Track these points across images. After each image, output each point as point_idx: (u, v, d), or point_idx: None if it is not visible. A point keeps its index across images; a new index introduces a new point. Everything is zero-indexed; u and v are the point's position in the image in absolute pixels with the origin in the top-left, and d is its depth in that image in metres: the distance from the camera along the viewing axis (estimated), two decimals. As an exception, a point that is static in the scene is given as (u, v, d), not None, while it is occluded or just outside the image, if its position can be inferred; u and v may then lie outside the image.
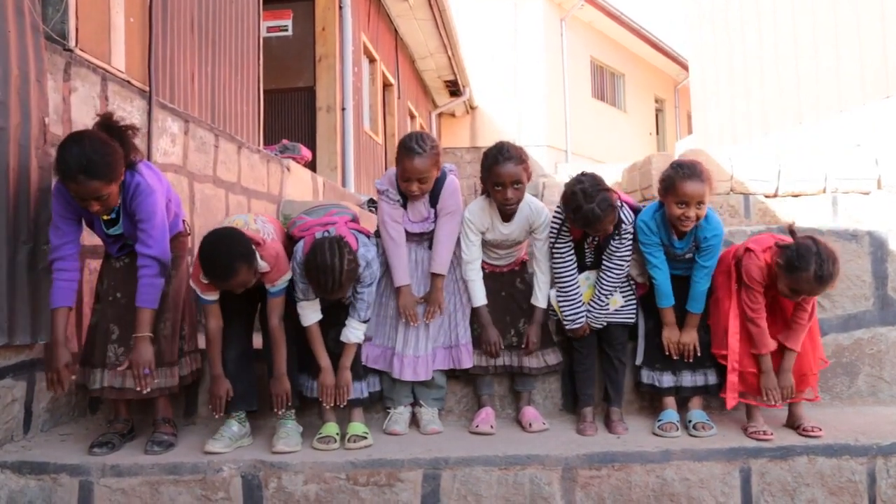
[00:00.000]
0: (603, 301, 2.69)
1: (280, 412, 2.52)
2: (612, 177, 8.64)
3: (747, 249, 2.55)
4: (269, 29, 7.25)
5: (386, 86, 10.38)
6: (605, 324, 2.72)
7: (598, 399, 2.79)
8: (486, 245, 2.81)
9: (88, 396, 2.82)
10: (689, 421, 2.60)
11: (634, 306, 2.77)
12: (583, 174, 2.56)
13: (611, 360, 2.76)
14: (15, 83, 2.39)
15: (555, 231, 2.69)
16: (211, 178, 4.07)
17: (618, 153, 15.29)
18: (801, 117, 8.60)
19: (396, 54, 10.78)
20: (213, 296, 2.47)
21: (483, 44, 14.76)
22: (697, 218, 2.55)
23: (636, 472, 2.36)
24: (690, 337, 2.66)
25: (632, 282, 2.78)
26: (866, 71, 7.46)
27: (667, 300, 2.66)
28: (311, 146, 7.15)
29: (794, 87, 8.81)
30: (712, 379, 2.70)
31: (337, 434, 2.53)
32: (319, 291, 2.44)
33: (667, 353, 2.68)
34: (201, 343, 2.69)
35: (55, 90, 2.67)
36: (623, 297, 2.74)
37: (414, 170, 2.58)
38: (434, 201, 2.70)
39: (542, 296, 2.77)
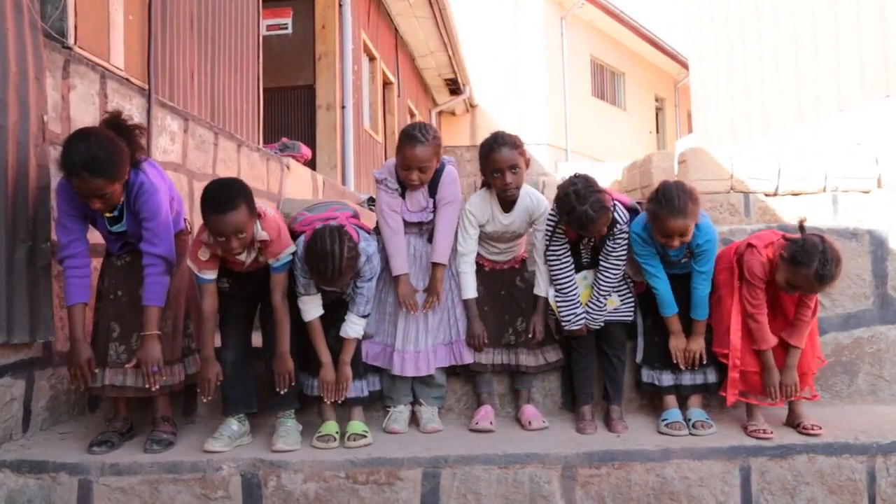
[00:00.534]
0: (601, 302, 2.68)
1: (282, 391, 2.50)
2: (612, 175, 8.65)
3: (749, 245, 2.55)
4: (269, 27, 7.25)
5: (386, 84, 10.37)
6: (602, 324, 2.71)
7: (598, 397, 2.79)
8: (487, 239, 2.82)
9: (88, 395, 2.82)
10: (689, 419, 2.60)
11: (632, 305, 2.76)
12: (575, 176, 2.54)
13: (609, 358, 2.75)
14: (14, 81, 2.39)
15: (549, 233, 2.68)
16: (210, 176, 4.07)
17: (618, 152, 15.28)
18: (802, 116, 8.60)
19: (396, 52, 10.78)
20: (210, 274, 2.47)
21: (483, 42, 14.75)
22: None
23: (636, 471, 2.36)
24: (698, 345, 2.65)
25: (629, 280, 2.77)
26: (866, 70, 7.46)
27: (669, 309, 2.65)
28: (311, 144, 7.14)
29: (794, 87, 8.80)
30: (712, 377, 2.70)
31: (336, 433, 2.52)
32: (319, 279, 2.43)
33: (674, 362, 2.66)
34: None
35: (54, 88, 2.66)
36: (619, 296, 2.73)
37: (415, 158, 2.59)
38: (433, 192, 2.71)
39: (543, 285, 2.77)
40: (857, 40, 7.62)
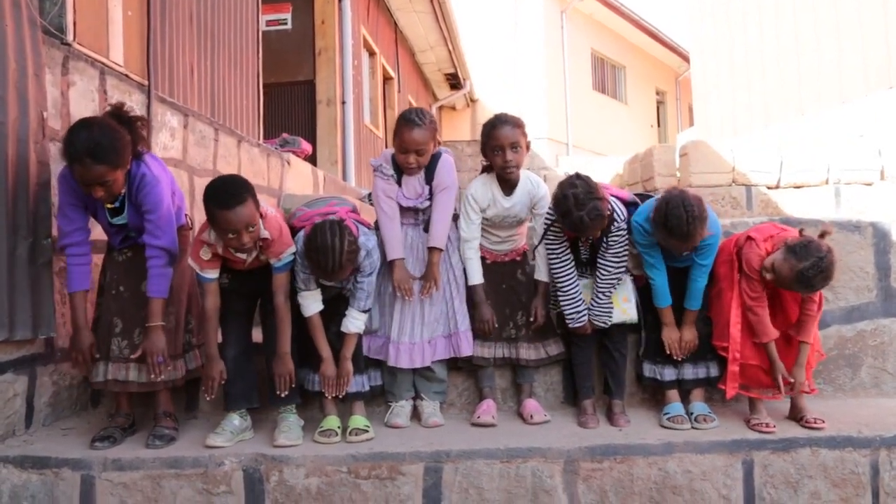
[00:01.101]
0: (602, 299, 2.67)
1: (283, 394, 2.50)
2: (613, 169, 8.65)
3: (749, 238, 2.54)
4: (269, 22, 7.22)
5: (386, 79, 10.35)
6: (608, 324, 2.69)
7: (600, 391, 2.79)
8: (488, 226, 2.82)
9: (90, 390, 2.83)
10: (691, 413, 2.60)
11: (635, 303, 2.75)
12: (577, 177, 2.50)
13: (610, 352, 2.75)
14: (13, 77, 2.38)
15: (546, 227, 2.66)
16: (211, 172, 4.06)
17: (619, 146, 15.26)
18: (804, 109, 8.57)
19: (396, 47, 10.75)
20: (212, 273, 2.47)
21: (483, 37, 14.72)
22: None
23: (638, 465, 2.36)
24: (691, 334, 2.65)
25: (631, 277, 2.76)
26: (869, 61, 7.43)
27: (664, 300, 2.64)
28: (312, 140, 7.13)
29: (795, 79, 8.77)
30: (714, 371, 2.69)
31: (338, 427, 2.52)
32: (319, 273, 2.43)
33: (668, 353, 2.66)
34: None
35: (53, 84, 2.66)
36: (626, 300, 2.71)
37: (412, 141, 2.61)
38: (429, 178, 2.72)
39: (544, 269, 2.77)
40: (859, 31, 7.59)
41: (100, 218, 2.50)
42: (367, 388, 2.68)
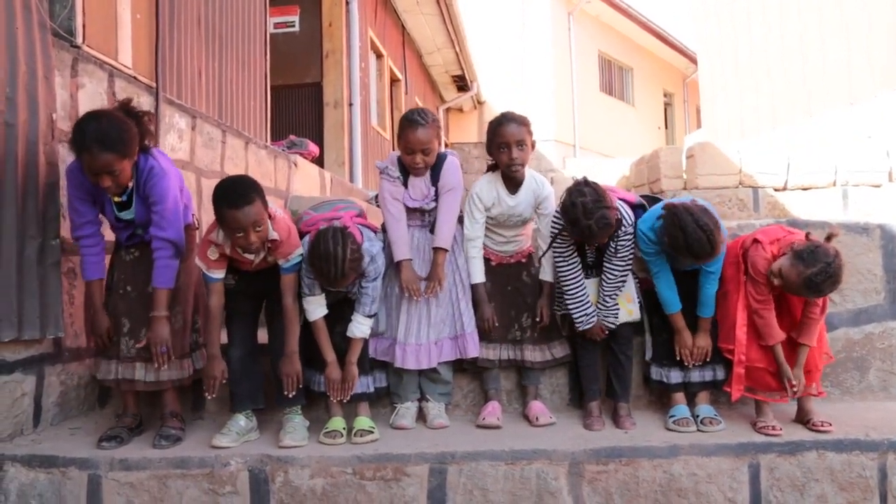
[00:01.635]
0: (608, 302, 2.66)
1: (290, 394, 2.51)
2: (620, 171, 8.61)
3: (755, 241, 2.53)
4: (276, 25, 7.23)
5: (393, 81, 10.36)
6: (615, 325, 2.68)
7: (606, 394, 2.78)
8: (493, 225, 2.82)
9: (97, 391, 2.85)
10: (697, 416, 2.59)
11: (639, 304, 2.74)
12: (585, 184, 2.49)
13: (616, 355, 2.74)
14: (23, 80, 2.40)
15: (553, 234, 2.66)
16: (218, 173, 4.08)
17: (627, 148, 15.20)
18: (811, 110, 8.53)
19: (404, 49, 10.77)
20: (218, 273, 2.49)
21: (491, 39, 14.71)
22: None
23: (643, 467, 2.35)
24: (705, 341, 2.63)
25: (636, 280, 2.75)
26: (875, 62, 7.38)
27: (673, 307, 2.63)
28: (319, 142, 7.16)
29: (802, 80, 8.73)
30: (720, 374, 2.68)
31: (343, 428, 2.53)
32: (323, 280, 2.45)
33: (679, 359, 2.64)
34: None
35: (63, 86, 2.68)
36: (630, 301, 2.71)
37: (417, 141, 2.63)
38: (435, 180, 2.73)
39: (549, 269, 2.77)
40: (865, 32, 7.54)
41: (107, 213, 2.52)
42: (371, 389, 2.68)
